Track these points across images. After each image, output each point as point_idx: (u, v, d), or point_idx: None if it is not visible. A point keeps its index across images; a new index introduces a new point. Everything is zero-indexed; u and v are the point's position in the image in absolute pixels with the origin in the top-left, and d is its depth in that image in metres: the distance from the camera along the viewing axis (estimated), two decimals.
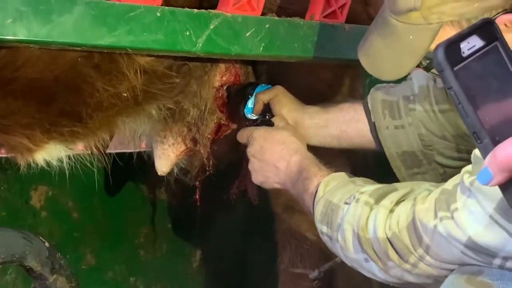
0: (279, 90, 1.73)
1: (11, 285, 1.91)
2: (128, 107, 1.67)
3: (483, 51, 0.88)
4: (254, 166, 1.63)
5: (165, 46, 1.47)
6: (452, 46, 0.87)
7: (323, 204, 1.41)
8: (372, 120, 1.60)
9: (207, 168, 1.84)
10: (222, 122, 1.84)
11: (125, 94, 1.62)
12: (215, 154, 1.84)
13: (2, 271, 1.88)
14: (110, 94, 1.60)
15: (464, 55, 0.87)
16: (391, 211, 1.30)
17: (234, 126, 1.85)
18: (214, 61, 1.76)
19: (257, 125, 1.73)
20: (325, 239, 1.43)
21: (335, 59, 1.72)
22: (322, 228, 1.42)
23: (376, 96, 1.62)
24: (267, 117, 1.75)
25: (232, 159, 1.89)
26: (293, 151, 1.59)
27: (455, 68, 0.86)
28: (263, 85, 1.79)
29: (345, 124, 1.67)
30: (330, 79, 1.85)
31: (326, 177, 1.46)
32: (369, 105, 1.62)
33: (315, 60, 1.68)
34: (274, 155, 1.58)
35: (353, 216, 1.34)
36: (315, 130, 1.69)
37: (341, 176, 1.45)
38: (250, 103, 1.77)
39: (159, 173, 1.84)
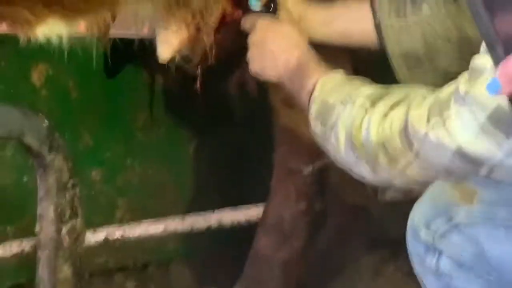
0: None
1: (10, 160, 1.93)
2: None
3: None
4: (253, 54, 1.62)
5: None
6: None
7: (319, 103, 1.43)
8: (378, 19, 1.56)
9: (209, 57, 1.80)
10: (227, 11, 1.80)
11: None
12: (218, 43, 1.81)
13: (1, 147, 1.89)
14: None
15: None
16: (385, 115, 1.30)
17: (239, 16, 1.80)
18: None
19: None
20: (318, 138, 1.45)
21: None
22: (316, 126, 1.44)
23: None
24: (271, 9, 1.74)
25: (234, 50, 1.84)
26: (294, 45, 1.57)
27: None
28: None
29: (350, 21, 1.63)
30: None
31: (323, 76, 1.44)
32: (376, 3, 1.60)
33: None
34: (275, 47, 1.60)
35: (348, 117, 1.35)
36: (319, 26, 1.68)
37: (339, 76, 1.45)
38: None
39: (161, 59, 1.81)
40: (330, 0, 1.70)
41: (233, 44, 1.85)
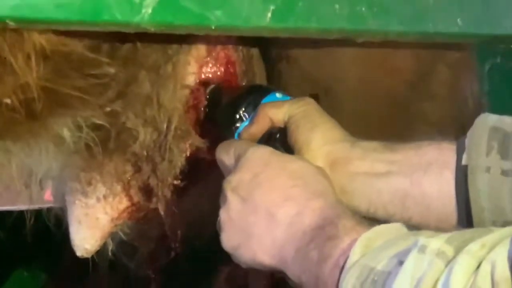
0: (306, 103, 1.03)
1: None
2: (15, 123, 1.03)
3: None
4: (230, 210, 0.95)
5: (78, 16, 0.83)
6: None
7: (357, 275, 0.86)
8: (463, 163, 1.00)
9: (173, 245, 1.07)
10: (202, 154, 1.06)
11: (9, 100, 0.99)
12: (189, 216, 1.08)
13: None
14: None
15: None
16: (481, 259, 0.84)
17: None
18: (184, 37, 1.04)
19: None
20: None
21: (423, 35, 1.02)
22: None
23: (485, 121, 1.03)
24: (273, 140, 0.99)
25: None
26: (313, 192, 0.95)
27: None
28: (277, 94, 1.04)
29: (422, 170, 1.02)
30: (413, 76, 1.19)
31: (366, 232, 0.91)
32: (467, 137, 1.01)
33: (385, 37, 1.00)
34: (276, 194, 0.93)
35: (411, 276, 0.83)
36: (366, 179, 1.03)
37: (395, 228, 0.93)
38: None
39: (79, 252, 1.07)
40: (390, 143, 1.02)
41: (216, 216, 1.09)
